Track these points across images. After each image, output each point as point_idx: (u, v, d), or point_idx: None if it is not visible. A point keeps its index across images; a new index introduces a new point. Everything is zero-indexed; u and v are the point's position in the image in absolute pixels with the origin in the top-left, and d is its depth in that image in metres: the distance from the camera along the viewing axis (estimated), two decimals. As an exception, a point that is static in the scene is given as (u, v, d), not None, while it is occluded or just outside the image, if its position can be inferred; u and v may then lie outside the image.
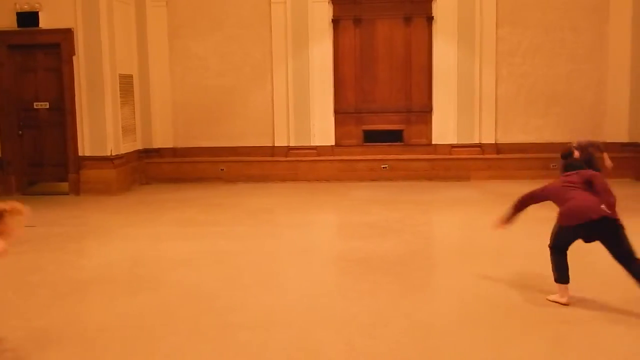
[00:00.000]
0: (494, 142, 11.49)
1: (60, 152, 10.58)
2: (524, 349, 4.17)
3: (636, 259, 4.66)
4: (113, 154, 10.49)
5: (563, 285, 4.89)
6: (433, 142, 11.61)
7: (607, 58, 11.36)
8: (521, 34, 11.42)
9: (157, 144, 11.87)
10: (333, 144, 11.75)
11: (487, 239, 6.88)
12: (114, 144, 10.54)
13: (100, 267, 6.32)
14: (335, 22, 11.57)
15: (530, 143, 11.44)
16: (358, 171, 11.42)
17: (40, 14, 10.19)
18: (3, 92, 10.49)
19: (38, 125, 10.62)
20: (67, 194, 10.51)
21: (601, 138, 10.26)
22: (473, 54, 11.36)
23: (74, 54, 10.27)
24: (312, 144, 11.68)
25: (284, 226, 8.53)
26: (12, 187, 10.59)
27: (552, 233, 4.97)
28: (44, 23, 10.24)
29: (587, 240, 4.83)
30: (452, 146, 11.50)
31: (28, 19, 10.21)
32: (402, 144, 11.70)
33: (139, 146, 11.63)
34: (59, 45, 10.29)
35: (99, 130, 10.37)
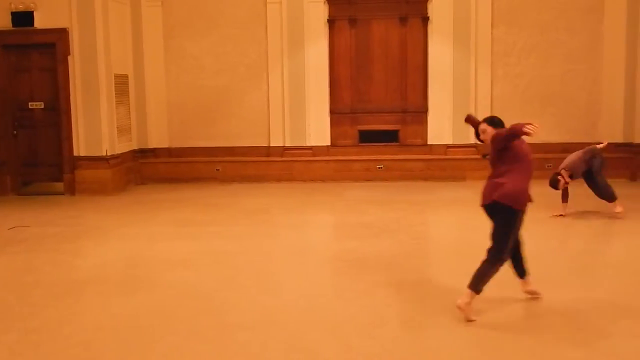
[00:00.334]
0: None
1: (55, 152, 10.55)
2: (523, 349, 4.18)
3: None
4: (108, 154, 10.46)
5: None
6: (428, 143, 11.62)
7: (602, 58, 11.39)
8: (516, 34, 11.45)
9: (153, 144, 11.85)
10: (328, 144, 11.75)
11: (482, 239, 6.85)
12: (109, 144, 10.51)
13: (96, 268, 6.30)
14: (331, 22, 11.57)
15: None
16: (354, 171, 11.42)
17: (35, 13, 10.17)
18: (-2, 92, 10.48)
19: (33, 125, 10.59)
20: (62, 194, 10.49)
21: (596, 138, 10.33)
22: (468, 54, 11.39)
23: (69, 54, 10.25)
24: (307, 144, 11.68)
25: (280, 226, 8.53)
26: (7, 187, 10.58)
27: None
28: (39, 23, 10.21)
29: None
30: (448, 146, 11.51)
31: (23, 18, 10.17)
32: (397, 144, 11.71)
33: (134, 146, 11.61)
34: (54, 45, 10.27)
35: (94, 130, 10.35)
